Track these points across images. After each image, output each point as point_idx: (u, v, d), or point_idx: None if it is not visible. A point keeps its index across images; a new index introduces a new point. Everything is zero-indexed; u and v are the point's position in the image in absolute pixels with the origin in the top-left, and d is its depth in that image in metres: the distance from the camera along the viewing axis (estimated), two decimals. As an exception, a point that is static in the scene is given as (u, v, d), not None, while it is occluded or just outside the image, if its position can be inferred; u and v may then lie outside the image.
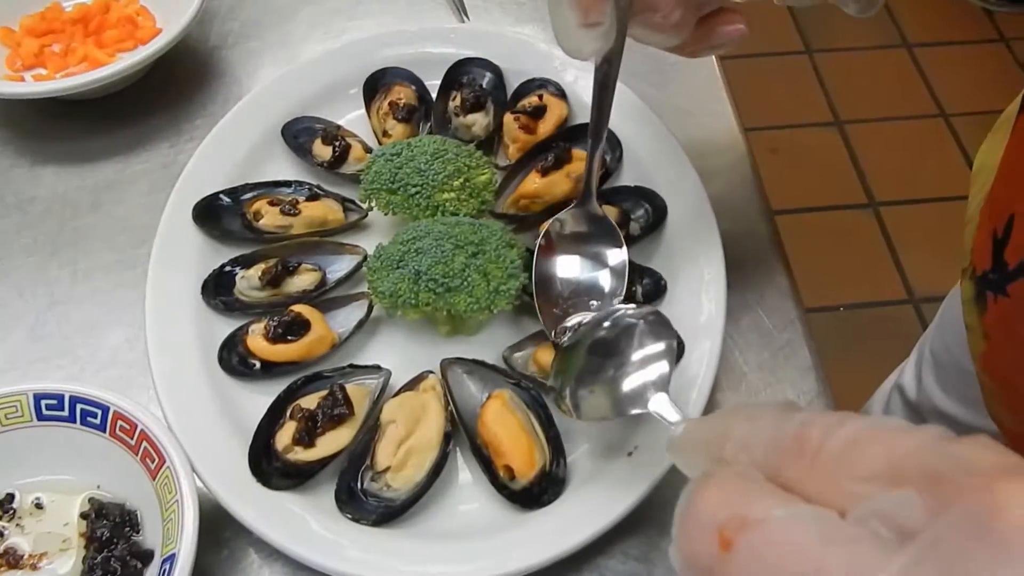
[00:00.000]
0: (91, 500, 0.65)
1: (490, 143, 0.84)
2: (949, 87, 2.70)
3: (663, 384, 0.55)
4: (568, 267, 0.71)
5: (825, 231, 2.42)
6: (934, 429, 0.32)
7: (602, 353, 0.60)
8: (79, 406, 0.65)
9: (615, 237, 0.71)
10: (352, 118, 0.87)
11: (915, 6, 2.94)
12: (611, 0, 0.55)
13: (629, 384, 0.56)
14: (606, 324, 0.61)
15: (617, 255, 0.71)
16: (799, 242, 2.20)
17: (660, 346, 0.57)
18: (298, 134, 0.84)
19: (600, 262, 0.71)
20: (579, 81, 0.86)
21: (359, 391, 0.68)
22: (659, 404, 0.54)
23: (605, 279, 0.70)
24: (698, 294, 0.72)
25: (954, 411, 1.10)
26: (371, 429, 0.67)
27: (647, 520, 0.66)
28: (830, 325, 2.25)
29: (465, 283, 0.68)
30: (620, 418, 0.59)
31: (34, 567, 0.63)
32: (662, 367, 0.56)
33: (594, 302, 0.69)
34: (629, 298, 0.73)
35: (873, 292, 2.33)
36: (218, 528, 0.65)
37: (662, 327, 0.59)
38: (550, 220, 0.72)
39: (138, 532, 0.63)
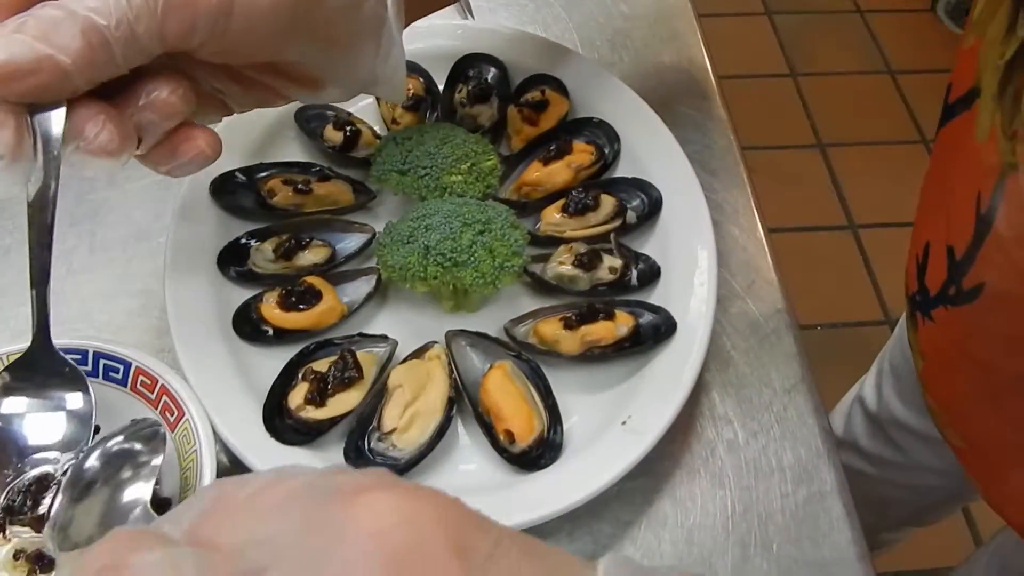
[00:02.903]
0: (109, 453, 0.68)
1: (494, 134, 0.88)
2: (930, 114, 2.75)
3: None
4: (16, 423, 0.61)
5: (804, 251, 2.46)
6: (336, 469, 0.36)
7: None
8: (102, 361, 0.68)
9: (76, 379, 0.62)
10: (362, 106, 0.91)
11: (899, 33, 3.00)
12: (21, 132, 0.49)
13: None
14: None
15: (77, 399, 0.62)
16: (778, 261, 2.25)
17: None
18: (311, 119, 0.88)
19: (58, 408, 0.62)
20: (580, 79, 0.90)
21: (368, 358, 0.71)
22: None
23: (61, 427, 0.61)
24: (691, 279, 0.76)
25: (912, 421, 1.13)
26: (378, 393, 0.70)
27: (638, 487, 0.70)
28: (806, 343, 2.28)
29: (472, 259, 0.72)
30: None
31: (53, 512, 0.66)
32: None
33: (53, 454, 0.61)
34: (624, 284, 0.77)
35: (850, 312, 2.37)
36: (228, 483, 0.69)
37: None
38: None
39: (157, 483, 0.66)
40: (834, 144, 2.71)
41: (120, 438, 0.59)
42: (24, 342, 0.67)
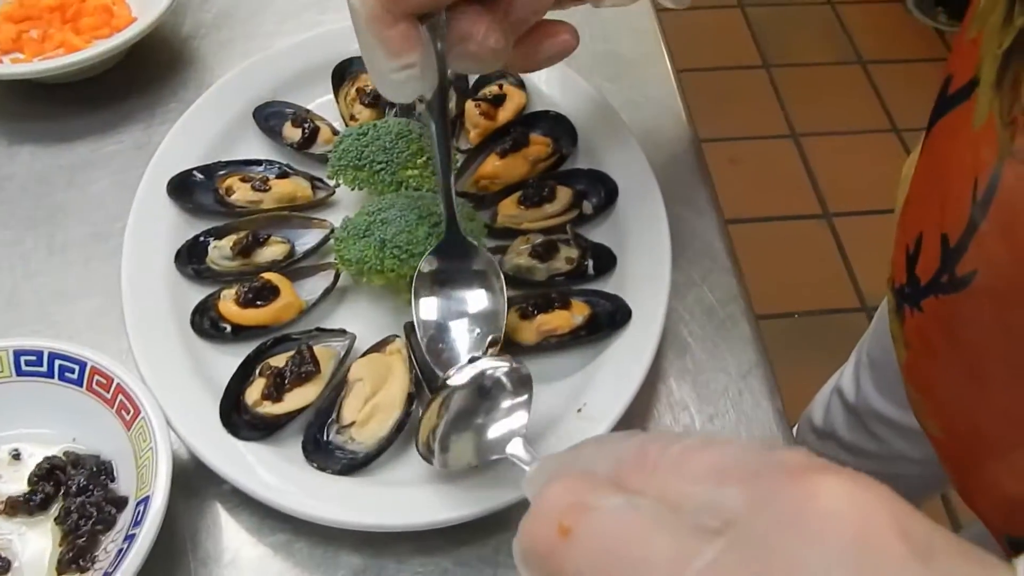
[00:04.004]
0: (66, 453, 0.68)
1: (453, 128, 0.88)
2: (901, 103, 2.78)
3: (521, 431, 0.60)
4: (449, 305, 0.68)
5: (780, 240, 2.48)
6: (759, 440, 0.36)
7: (472, 405, 0.62)
8: (57, 362, 0.68)
9: (484, 258, 0.70)
10: (321, 103, 0.91)
11: (869, 25, 3.03)
12: (423, 40, 0.55)
13: (494, 432, 0.61)
14: (475, 376, 0.62)
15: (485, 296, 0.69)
16: (755, 250, 2.26)
17: (522, 397, 0.62)
18: (269, 117, 0.88)
19: (479, 289, 0.69)
20: (538, 73, 0.91)
21: (325, 352, 0.72)
22: (515, 448, 0.58)
23: (484, 302, 0.69)
24: (645, 268, 0.76)
25: (891, 413, 1.14)
26: (338, 386, 0.71)
27: (595, 474, 0.70)
28: (784, 331, 2.30)
29: (428, 251, 0.72)
30: (481, 463, 0.63)
31: (10, 514, 0.66)
32: (522, 417, 0.61)
33: (477, 330, 0.67)
34: (581, 273, 0.78)
35: (827, 300, 2.38)
36: (187, 481, 0.69)
37: (522, 382, 0.62)
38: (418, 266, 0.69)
39: (113, 481, 0.67)
40: (807, 134, 2.73)
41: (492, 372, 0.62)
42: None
